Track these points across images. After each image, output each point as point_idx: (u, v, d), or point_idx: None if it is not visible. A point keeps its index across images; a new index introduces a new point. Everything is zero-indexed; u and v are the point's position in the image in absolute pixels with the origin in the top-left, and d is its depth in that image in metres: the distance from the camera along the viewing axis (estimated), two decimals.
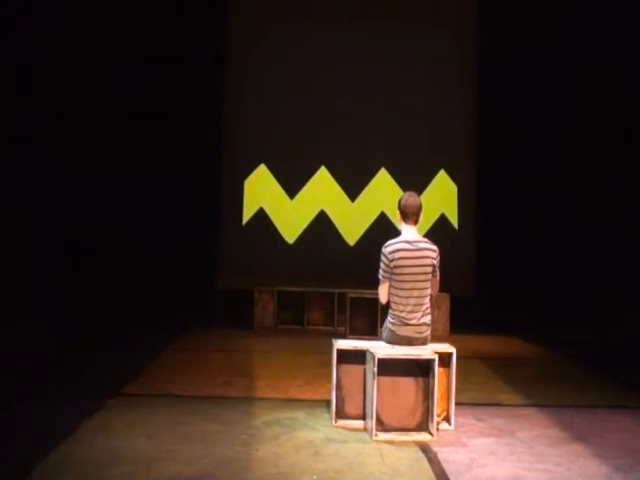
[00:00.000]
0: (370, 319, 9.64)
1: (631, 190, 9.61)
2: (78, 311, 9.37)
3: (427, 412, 5.62)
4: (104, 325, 9.28)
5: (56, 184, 9.57)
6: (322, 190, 10.94)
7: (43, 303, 9.11)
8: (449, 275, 6.39)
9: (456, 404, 5.81)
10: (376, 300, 6.53)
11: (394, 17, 10.96)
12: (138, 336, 9.21)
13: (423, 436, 5.54)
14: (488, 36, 10.87)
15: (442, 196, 10.94)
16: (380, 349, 5.64)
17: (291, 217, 10.92)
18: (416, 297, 5.65)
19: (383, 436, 5.50)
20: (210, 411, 6.04)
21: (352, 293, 9.97)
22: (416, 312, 5.66)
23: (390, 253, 5.67)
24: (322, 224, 10.93)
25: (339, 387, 5.83)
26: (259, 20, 10.97)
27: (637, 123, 9.63)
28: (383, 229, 10.17)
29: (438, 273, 5.78)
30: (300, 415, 6.00)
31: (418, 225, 5.81)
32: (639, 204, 9.54)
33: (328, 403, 6.02)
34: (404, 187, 6.59)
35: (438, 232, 9.95)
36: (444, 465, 4.92)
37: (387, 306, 5.82)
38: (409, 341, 5.69)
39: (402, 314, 5.67)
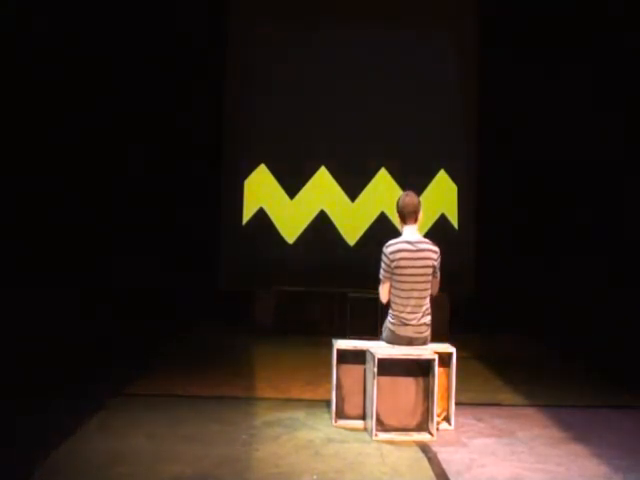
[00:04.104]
0: (370, 319, 9.61)
1: (632, 189, 9.60)
2: (77, 311, 9.37)
3: (427, 412, 5.63)
4: (104, 325, 9.28)
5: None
6: (322, 190, 10.93)
7: (42, 302, 9.12)
8: (449, 275, 6.38)
9: (456, 404, 5.82)
10: (376, 300, 6.53)
11: (394, 18, 10.93)
12: (138, 336, 9.21)
13: (423, 436, 5.54)
14: (489, 36, 10.86)
15: (442, 196, 10.94)
16: (380, 349, 5.65)
17: (291, 217, 10.91)
18: (416, 298, 5.66)
19: (383, 436, 5.51)
20: (210, 411, 6.05)
21: (352, 293, 9.97)
22: (416, 312, 5.66)
23: (391, 253, 5.67)
24: (322, 224, 10.92)
25: (339, 387, 5.83)
26: (259, 20, 10.95)
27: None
28: (383, 229, 10.16)
29: (439, 274, 5.78)
30: (300, 415, 6.01)
31: (418, 223, 5.81)
32: None
33: (328, 403, 6.03)
34: (404, 187, 6.60)
35: (438, 232, 9.96)
36: (444, 465, 4.92)
37: (387, 306, 5.83)
38: (409, 341, 5.69)
39: (402, 314, 5.67)
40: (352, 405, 5.83)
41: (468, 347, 8.56)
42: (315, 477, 4.63)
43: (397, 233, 5.86)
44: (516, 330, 10.31)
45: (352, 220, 10.92)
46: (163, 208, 10.62)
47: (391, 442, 5.42)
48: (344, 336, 8.97)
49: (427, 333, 5.74)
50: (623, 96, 9.70)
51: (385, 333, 5.82)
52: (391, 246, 5.72)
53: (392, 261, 5.66)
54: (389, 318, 5.77)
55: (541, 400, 6.69)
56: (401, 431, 5.59)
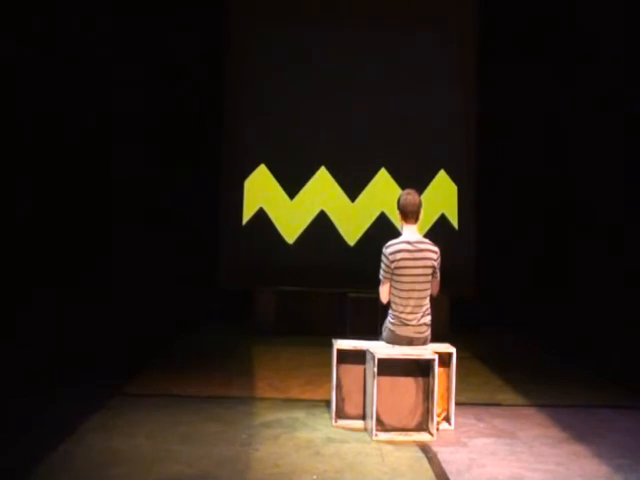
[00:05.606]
0: (370, 319, 9.59)
1: (633, 189, 9.59)
2: (77, 311, 9.36)
3: (427, 412, 5.63)
4: (104, 325, 9.28)
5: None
6: (322, 190, 10.92)
7: (43, 302, 9.11)
8: (449, 275, 6.38)
9: (456, 404, 5.82)
10: (376, 300, 6.52)
11: (394, 17, 10.92)
12: (137, 336, 9.21)
13: (423, 436, 5.55)
14: (489, 36, 10.85)
15: (442, 196, 10.92)
16: (380, 349, 5.65)
17: (291, 217, 10.89)
18: (416, 298, 5.66)
19: (383, 436, 5.51)
20: (210, 411, 6.05)
21: (352, 293, 9.97)
22: (416, 312, 5.67)
23: (391, 254, 5.67)
24: (322, 224, 10.90)
25: (339, 387, 5.84)
26: (259, 20, 10.94)
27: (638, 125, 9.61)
28: (383, 229, 10.15)
29: (438, 274, 5.78)
30: (300, 415, 6.01)
31: (419, 223, 5.82)
32: None
33: (328, 403, 6.03)
34: (404, 187, 6.58)
35: (438, 232, 9.94)
36: (444, 465, 4.93)
37: (387, 306, 5.83)
38: (409, 341, 5.70)
39: (402, 314, 5.68)
40: (352, 405, 5.84)
41: (468, 347, 8.57)
42: (315, 477, 4.63)
43: (397, 233, 5.86)
44: (516, 330, 10.30)
45: (352, 220, 10.91)
46: (163, 208, 10.62)
47: (391, 442, 5.42)
48: (344, 336, 8.99)
49: (427, 333, 5.74)
50: (626, 97, 9.68)
51: (385, 333, 5.82)
52: (391, 246, 5.72)
53: (392, 261, 5.66)
54: (389, 318, 5.77)
55: (541, 400, 6.70)
56: (401, 431, 5.59)
